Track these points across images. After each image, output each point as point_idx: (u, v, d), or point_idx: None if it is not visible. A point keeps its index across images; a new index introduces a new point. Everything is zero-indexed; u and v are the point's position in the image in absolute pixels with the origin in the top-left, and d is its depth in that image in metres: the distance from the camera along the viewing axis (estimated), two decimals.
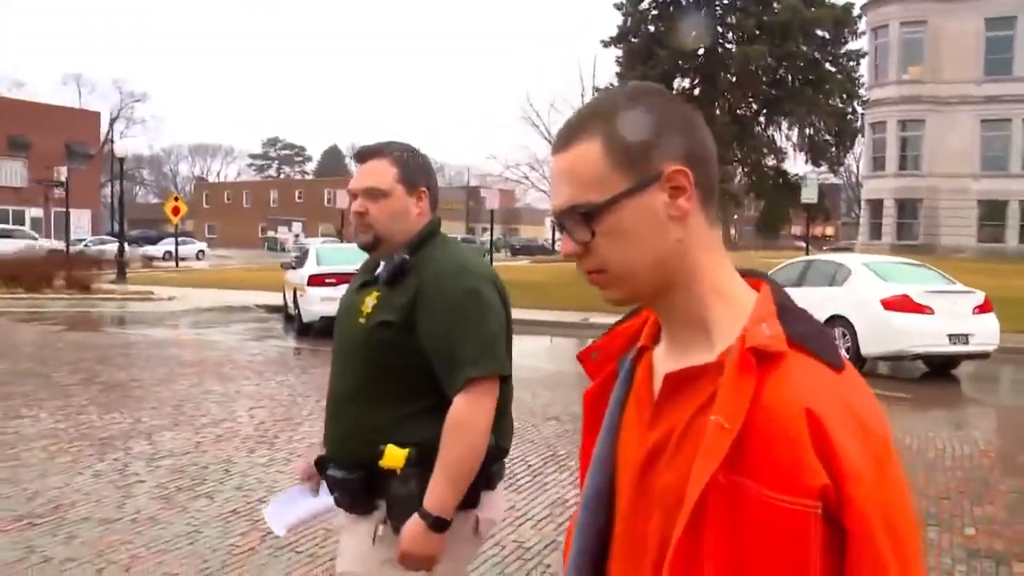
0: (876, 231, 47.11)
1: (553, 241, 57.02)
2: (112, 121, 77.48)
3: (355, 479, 2.16)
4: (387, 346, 2.14)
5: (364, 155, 2.27)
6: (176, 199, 35.79)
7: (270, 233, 71.00)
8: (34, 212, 52.17)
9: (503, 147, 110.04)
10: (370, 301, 2.19)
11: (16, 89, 73.61)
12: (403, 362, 2.14)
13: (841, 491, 0.92)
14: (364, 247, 2.26)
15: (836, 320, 12.49)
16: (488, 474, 2.16)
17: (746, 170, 27.05)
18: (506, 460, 2.35)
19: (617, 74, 27.73)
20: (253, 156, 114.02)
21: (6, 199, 50.11)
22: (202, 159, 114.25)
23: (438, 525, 2.02)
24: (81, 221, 55.50)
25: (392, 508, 2.09)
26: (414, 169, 2.24)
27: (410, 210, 2.21)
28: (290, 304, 16.55)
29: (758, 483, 0.93)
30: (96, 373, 10.65)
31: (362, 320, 2.18)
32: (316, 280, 14.30)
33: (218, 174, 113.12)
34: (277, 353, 13.35)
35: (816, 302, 12.99)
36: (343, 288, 11.54)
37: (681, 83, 27.69)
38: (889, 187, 45.52)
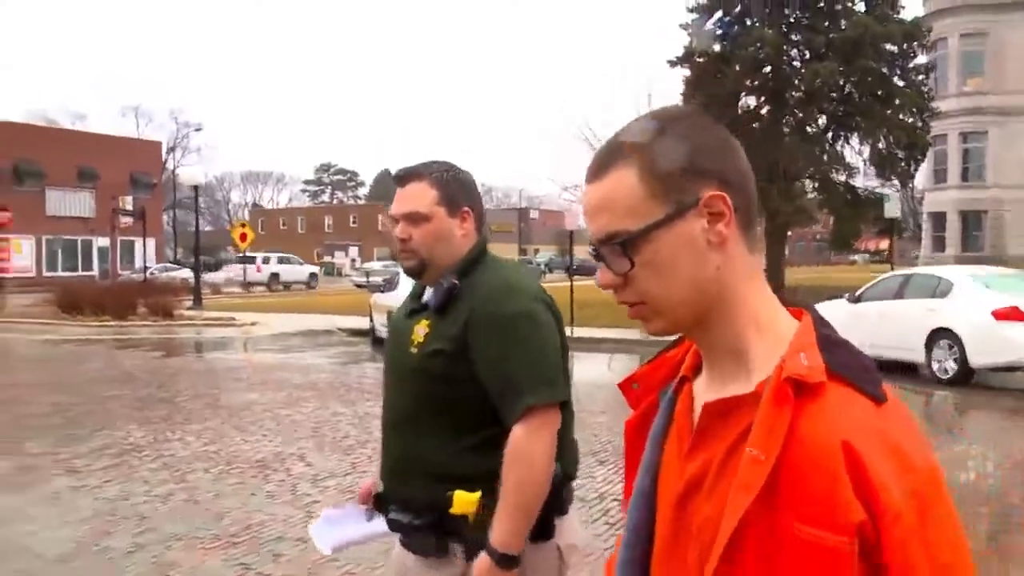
0: (939, 244, 46.56)
1: None
2: (170, 150, 79.26)
3: (424, 525, 2.07)
4: (441, 376, 2.06)
5: (403, 178, 2.18)
6: (243, 226, 36.38)
7: (327, 258, 71.87)
8: (101, 242, 53.40)
9: (559, 168, 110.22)
10: (421, 330, 2.12)
11: (79, 122, 75.71)
12: (459, 392, 2.06)
13: (879, 529, 0.89)
14: (410, 273, 2.19)
15: (941, 333, 12.44)
16: (559, 500, 2.08)
17: (815, 186, 26.85)
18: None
19: (682, 94, 27.73)
20: (307, 182, 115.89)
21: (76, 229, 51.38)
22: (254, 186, 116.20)
23: (506, 562, 1.94)
24: (147, 249, 56.80)
25: (472, 555, 2.00)
26: (455, 190, 2.15)
27: (454, 232, 2.14)
28: (378, 327, 16.85)
29: (794, 517, 0.91)
30: (216, 397, 10.95)
31: (413, 350, 2.11)
32: None
33: (270, 201, 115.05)
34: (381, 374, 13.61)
35: (918, 315, 12.99)
36: None
37: (747, 101, 27.68)
38: (951, 199, 44.99)
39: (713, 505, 0.98)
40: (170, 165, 73.03)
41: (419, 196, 2.12)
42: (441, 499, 2.00)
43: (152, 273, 45.19)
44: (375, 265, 51.26)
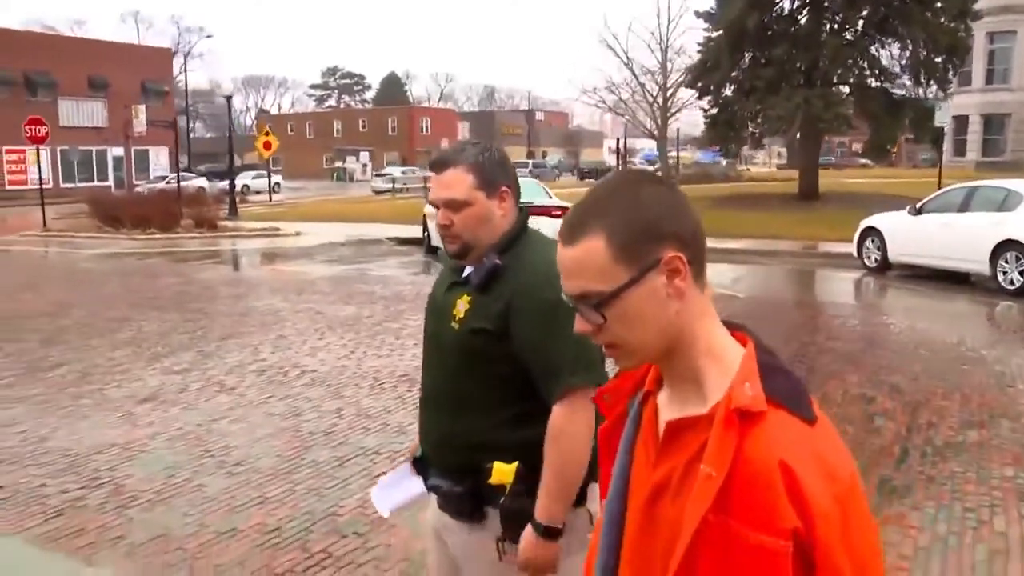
0: (960, 148, 46.35)
1: (625, 164, 56.50)
2: (172, 56, 77.89)
3: (461, 492, 2.20)
4: (481, 353, 2.14)
5: (438, 165, 2.23)
6: (267, 133, 36.10)
7: (337, 164, 71.43)
8: (115, 151, 53.09)
9: (578, 71, 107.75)
10: (462, 305, 2.19)
11: (77, 28, 74.51)
12: (498, 369, 2.14)
13: (811, 531, 1.08)
14: (455, 256, 2.23)
15: (1008, 245, 12.68)
16: (593, 468, 2.10)
17: (850, 92, 26.66)
18: None
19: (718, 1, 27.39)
20: (313, 86, 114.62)
21: (89, 139, 50.94)
22: (255, 91, 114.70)
23: (550, 534, 2.07)
24: (159, 159, 56.47)
25: (508, 523, 2.13)
26: (490, 172, 2.20)
27: (494, 213, 2.20)
28: (435, 237, 17.17)
29: (741, 523, 1.09)
30: (316, 311, 11.21)
31: (454, 325, 2.18)
32: None
33: (273, 105, 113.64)
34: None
35: (983, 227, 13.21)
36: None
37: (783, 4, 27.29)
38: (975, 102, 44.59)
39: (676, 508, 1.16)
40: (180, 73, 71.99)
41: (457, 183, 2.17)
42: (479, 468, 2.13)
43: (168, 182, 45.14)
44: (396, 171, 51.05)
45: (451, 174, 2.19)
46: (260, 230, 23.96)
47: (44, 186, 46.99)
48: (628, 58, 41.55)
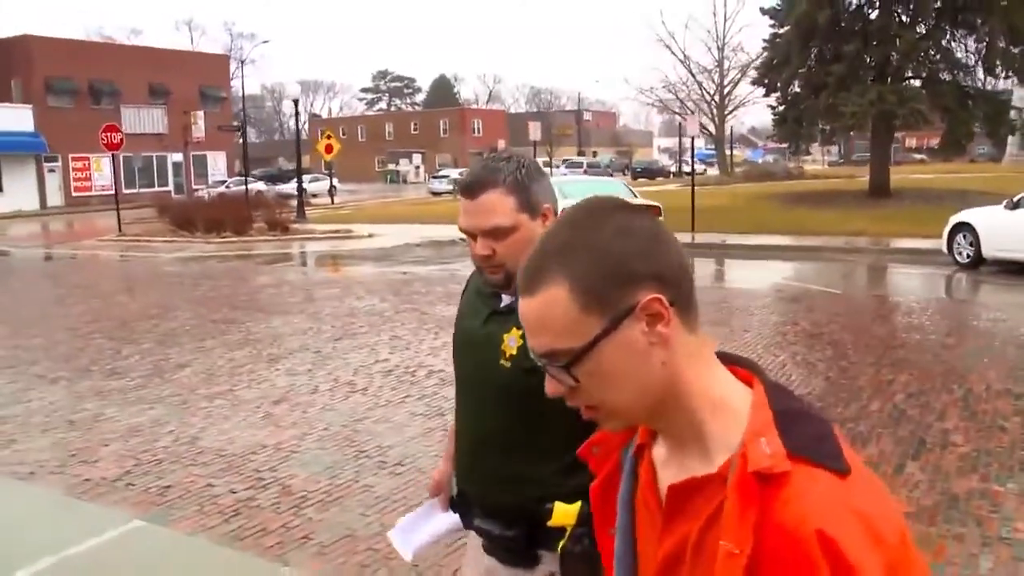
0: None
1: (680, 163, 56.12)
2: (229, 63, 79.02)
3: (516, 536, 2.00)
4: (539, 394, 1.88)
5: (473, 188, 1.94)
6: (328, 137, 36.36)
7: (390, 166, 71.87)
8: (175, 157, 53.92)
9: (631, 71, 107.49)
10: (512, 340, 1.96)
11: (134, 37, 75.86)
12: (556, 409, 1.88)
13: None
14: (498, 286, 2.00)
15: None
16: None
17: (921, 86, 26.17)
18: None
19: None
20: (363, 90, 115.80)
21: (150, 146, 51.76)
22: (305, 95, 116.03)
23: None
24: (218, 164, 57.27)
25: (568, 566, 1.92)
26: (531, 189, 1.95)
27: (538, 234, 1.97)
28: None
29: None
30: (422, 311, 11.25)
31: (504, 363, 1.96)
32: None
33: (323, 109, 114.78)
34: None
35: None
36: None
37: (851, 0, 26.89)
38: None
39: None
40: (238, 78, 72.99)
41: (497, 207, 1.91)
42: (535, 511, 1.92)
43: (227, 187, 45.81)
44: (453, 172, 51.26)
45: (489, 197, 1.92)
46: (333, 232, 24.15)
47: (108, 192, 48.59)
48: (685, 56, 41.30)
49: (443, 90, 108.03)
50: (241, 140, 41.99)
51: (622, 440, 1.19)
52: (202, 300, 13.09)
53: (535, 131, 24.45)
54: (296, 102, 28.82)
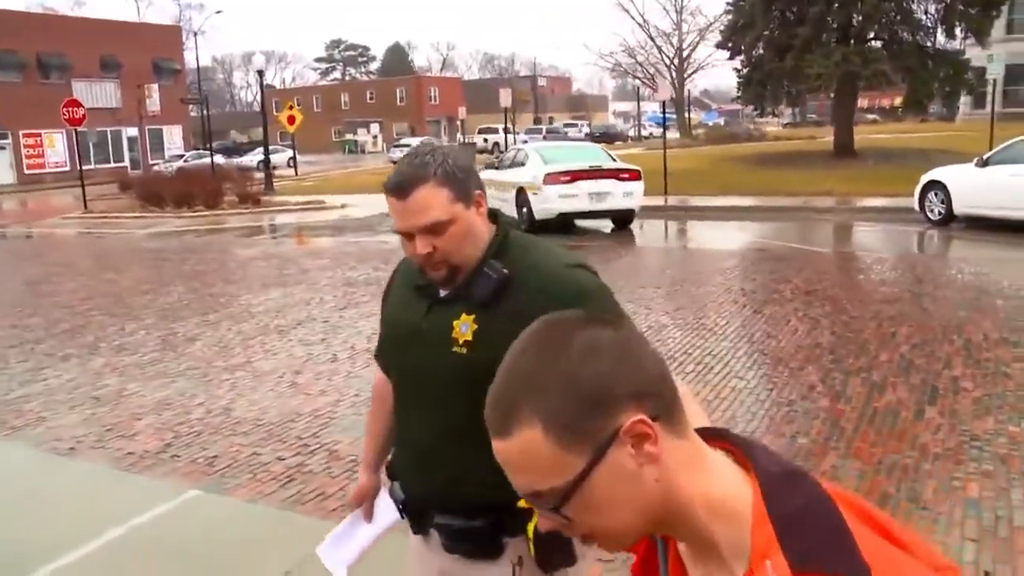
0: (980, 100, 46.11)
1: (639, 127, 56.29)
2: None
3: (482, 527, 1.92)
4: None
5: (404, 187, 1.85)
6: (291, 107, 35.92)
7: (348, 136, 71.22)
8: (130, 132, 52.97)
9: (588, 36, 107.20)
10: (464, 326, 1.88)
11: (78, 8, 73.91)
12: None
13: None
14: (443, 283, 1.92)
15: None
16: None
17: (883, 47, 26.59)
18: None
19: None
20: (317, 60, 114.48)
21: (103, 120, 50.70)
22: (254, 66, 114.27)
23: None
24: (173, 137, 56.35)
25: (541, 546, 1.85)
26: (461, 177, 1.89)
27: (475, 223, 1.91)
28: (495, 203, 17.22)
29: None
30: None
31: (459, 350, 1.87)
32: (553, 178, 14.96)
33: (274, 80, 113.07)
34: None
35: None
36: (578, 185, 14.67)
37: None
38: (995, 53, 44.28)
39: None
40: (188, 49, 71.57)
41: (432, 202, 1.84)
42: (500, 499, 1.77)
43: (186, 160, 45.18)
44: (413, 141, 51.00)
45: (422, 194, 1.84)
46: (305, 204, 24.05)
47: (62, 168, 47.62)
48: (644, 20, 41.41)
49: (398, 58, 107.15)
50: (203, 112, 41.08)
51: None
52: (193, 274, 13.05)
53: (506, 97, 24.47)
54: (261, 73, 28.51)
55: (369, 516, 2.22)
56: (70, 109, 26.11)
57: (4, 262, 16.70)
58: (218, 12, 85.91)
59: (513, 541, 1.90)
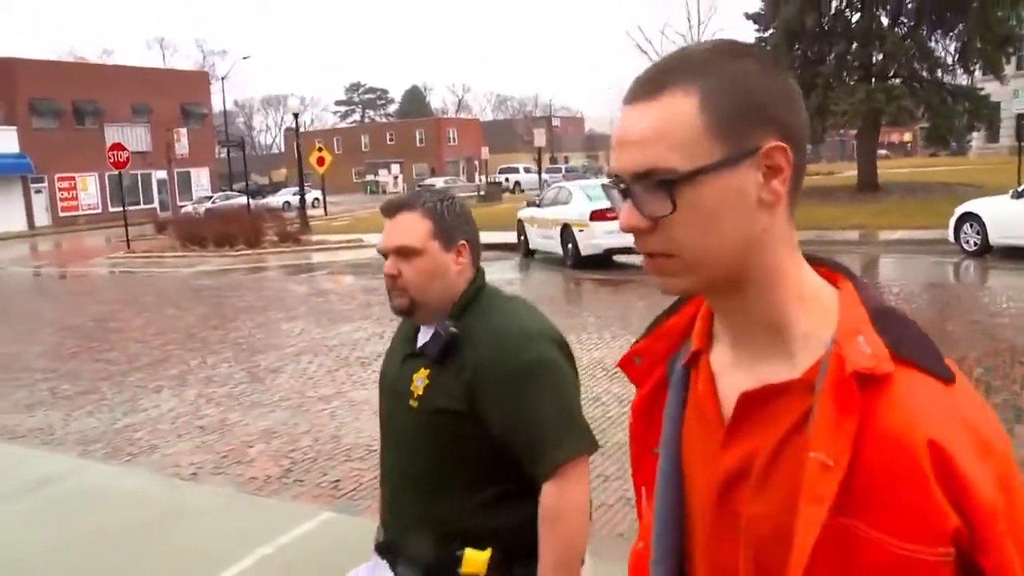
0: (994, 135, 46.40)
1: None
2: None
3: None
4: (447, 435, 1.90)
5: (392, 209, 1.99)
6: (320, 149, 36.62)
7: (369, 177, 72.11)
8: (159, 174, 53.91)
9: (603, 77, 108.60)
10: (419, 380, 1.93)
11: (106, 56, 75.53)
12: (467, 450, 1.90)
13: (975, 531, 0.81)
14: (399, 312, 1.99)
15: None
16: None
17: (902, 82, 27.08)
18: None
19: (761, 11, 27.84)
20: (338, 103, 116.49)
21: (135, 164, 50.89)
22: (275, 110, 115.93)
23: None
24: (201, 179, 57.29)
25: None
26: (450, 221, 1.96)
27: (448, 269, 1.94)
28: (534, 240, 17.84)
29: (878, 529, 0.82)
30: None
31: (413, 403, 1.93)
32: (599, 215, 15.36)
33: (294, 123, 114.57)
34: (594, 285, 14.74)
35: None
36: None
37: (833, 3, 27.69)
38: (1007, 88, 44.61)
39: (767, 505, 0.89)
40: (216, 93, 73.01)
41: (410, 228, 1.93)
42: (451, 558, 1.89)
43: (214, 202, 45.91)
44: (438, 181, 51.74)
45: (405, 218, 1.95)
46: (344, 242, 24.48)
47: (95, 211, 48.53)
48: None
49: (416, 100, 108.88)
50: (230, 154, 41.93)
51: (669, 349, 1.07)
52: (254, 310, 13.46)
53: (540, 138, 24.89)
54: (296, 115, 29.13)
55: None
56: (115, 152, 26.84)
57: (67, 301, 17.23)
58: (245, 58, 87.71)
59: None
